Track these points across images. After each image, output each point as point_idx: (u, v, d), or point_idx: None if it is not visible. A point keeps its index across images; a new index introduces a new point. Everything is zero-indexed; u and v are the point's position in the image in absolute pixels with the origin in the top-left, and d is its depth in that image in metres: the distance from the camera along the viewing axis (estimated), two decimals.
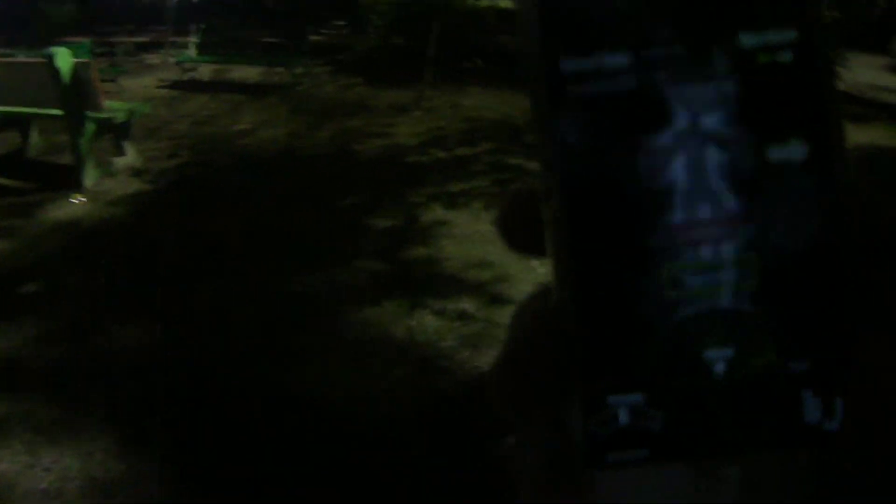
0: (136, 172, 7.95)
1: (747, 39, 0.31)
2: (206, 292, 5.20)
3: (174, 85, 13.01)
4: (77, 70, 7.41)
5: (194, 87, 12.92)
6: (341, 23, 18.88)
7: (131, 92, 12.17)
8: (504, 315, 4.82)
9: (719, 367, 0.32)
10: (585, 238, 0.32)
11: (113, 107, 8.11)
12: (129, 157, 8.19)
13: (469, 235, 6.11)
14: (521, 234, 0.35)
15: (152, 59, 15.80)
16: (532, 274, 5.34)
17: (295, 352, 4.47)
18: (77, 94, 7.44)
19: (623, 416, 0.33)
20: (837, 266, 0.32)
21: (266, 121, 10.24)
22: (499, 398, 0.33)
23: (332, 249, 5.89)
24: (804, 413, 0.33)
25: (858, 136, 9.72)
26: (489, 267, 5.50)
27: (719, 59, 0.32)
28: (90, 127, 7.58)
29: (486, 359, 4.37)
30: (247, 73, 13.70)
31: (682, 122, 0.32)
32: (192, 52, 14.06)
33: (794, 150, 0.32)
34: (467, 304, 4.97)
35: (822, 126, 0.32)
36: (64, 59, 7.34)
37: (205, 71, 13.86)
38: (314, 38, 15.31)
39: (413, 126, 9.78)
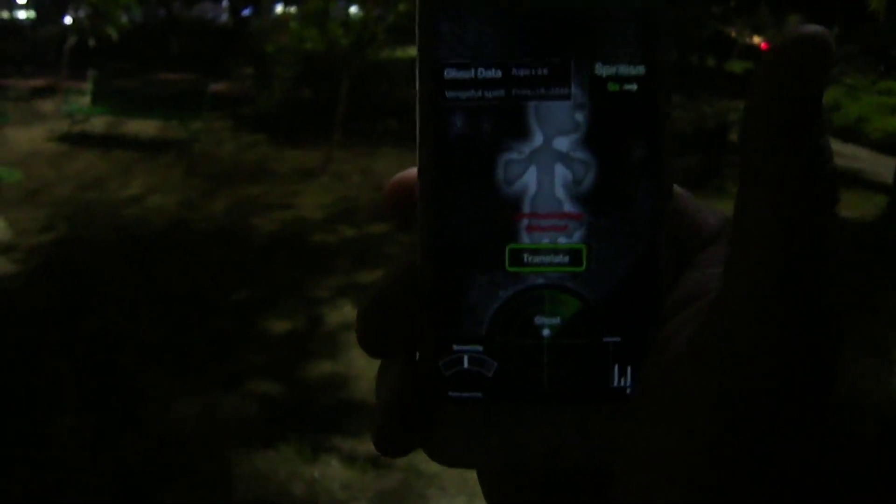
0: (4, 248, 7.03)
1: (601, 69, 0.39)
2: (49, 426, 4.22)
3: (64, 138, 11.99)
4: None
5: (85, 141, 11.86)
6: (249, 70, 18.03)
7: (15, 145, 11.28)
8: (430, 461, 4.08)
9: (546, 332, 0.40)
10: (444, 216, 0.40)
11: None
12: None
13: None
14: (399, 210, 0.43)
15: (46, 106, 14.82)
16: None
17: None
18: None
19: (465, 362, 0.40)
20: (653, 268, 0.39)
21: (158, 185, 9.25)
22: (364, 335, 0.40)
23: (216, 364, 4.93)
24: (611, 376, 0.40)
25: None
26: None
27: (575, 82, 0.39)
28: None
29: None
30: (142, 126, 12.78)
31: (538, 141, 0.40)
32: (85, 101, 13.19)
33: (629, 172, 0.39)
34: None
35: (656, 151, 0.39)
36: None
37: (98, 123, 12.90)
38: (217, 87, 14.47)
39: (319, 195, 8.95)
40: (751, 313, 0.33)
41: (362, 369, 4.87)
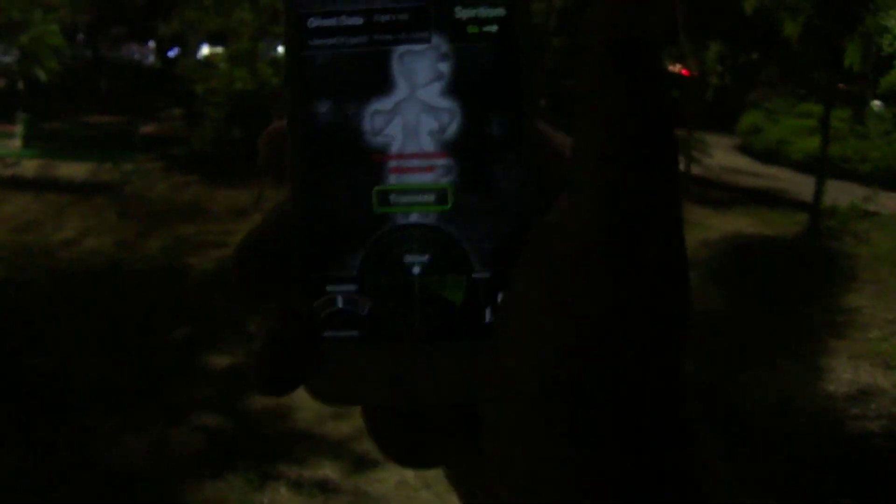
0: None
1: (461, 12, 0.40)
2: None
3: None
4: None
5: (17, 185, 11.75)
6: (178, 111, 17.92)
7: None
8: (375, 481, 4.14)
9: (416, 270, 0.41)
10: (313, 162, 0.42)
11: None
12: None
13: None
14: (272, 161, 0.43)
15: None
16: None
17: None
18: None
19: (339, 302, 0.42)
20: (518, 203, 0.40)
21: (92, 227, 9.24)
22: (239, 280, 0.41)
23: (161, 400, 4.96)
24: (482, 313, 0.41)
25: (723, 223, 9.60)
26: (348, 418, 4.71)
27: (436, 25, 0.41)
28: None
29: None
30: (74, 169, 12.69)
31: (401, 85, 0.41)
32: (16, 144, 13.07)
33: (491, 111, 0.40)
34: (329, 470, 4.18)
35: (518, 90, 0.40)
36: None
37: (29, 166, 12.80)
38: (147, 129, 14.43)
39: None
40: (576, 253, 0.34)
41: (304, 400, 4.79)
